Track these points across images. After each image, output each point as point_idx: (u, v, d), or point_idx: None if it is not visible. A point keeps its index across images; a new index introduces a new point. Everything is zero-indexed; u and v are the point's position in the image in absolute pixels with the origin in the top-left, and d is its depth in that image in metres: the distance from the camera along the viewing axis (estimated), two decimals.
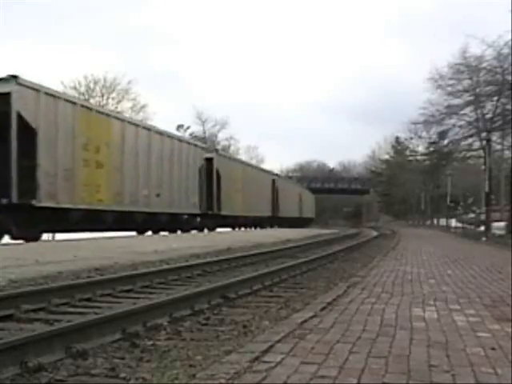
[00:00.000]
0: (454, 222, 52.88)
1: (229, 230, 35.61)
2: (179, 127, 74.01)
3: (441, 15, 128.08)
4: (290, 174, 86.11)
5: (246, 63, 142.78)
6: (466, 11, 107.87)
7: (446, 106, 36.07)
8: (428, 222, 69.31)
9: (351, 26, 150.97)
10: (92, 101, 52.96)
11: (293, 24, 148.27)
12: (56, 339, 4.55)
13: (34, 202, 17.02)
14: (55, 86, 29.09)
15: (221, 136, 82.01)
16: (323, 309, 5.91)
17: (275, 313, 6.74)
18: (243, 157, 71.98)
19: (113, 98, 60.13)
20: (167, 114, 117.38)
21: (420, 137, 51.62)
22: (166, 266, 10.95)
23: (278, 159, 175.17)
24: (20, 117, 16.62)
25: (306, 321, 5.18)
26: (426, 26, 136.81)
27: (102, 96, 59.22)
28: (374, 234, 38.80)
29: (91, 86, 58.47)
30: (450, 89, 35.25)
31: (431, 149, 51.09)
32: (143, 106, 63.12)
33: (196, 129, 79.14)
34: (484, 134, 35.37)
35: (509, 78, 29.97)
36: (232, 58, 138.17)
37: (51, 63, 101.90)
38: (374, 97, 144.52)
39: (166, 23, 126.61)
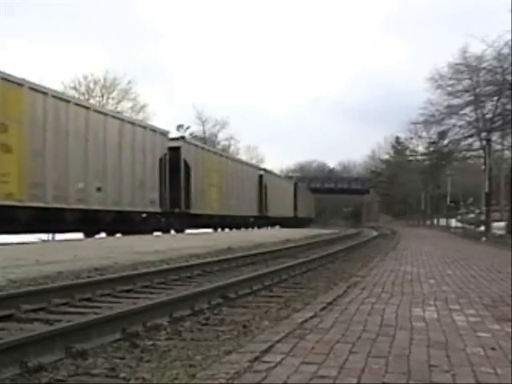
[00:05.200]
0: (454, 222, 52.84)
1: (203, 230, 31.69)
2: (179, 127, 74.01)
3: (441, 15, 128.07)
4: (290, 174, 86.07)
5: (245, 63, 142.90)
6: (467, 11, 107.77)
7: (446, 105, 36.09)
8: (428, 222, 69.28)
9: (350, 26, 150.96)
10: (92, 101, 52.97)
11: (292, 23, 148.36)
12: (56, 339, 4.55)
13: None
14: (55, 86, 28.94)
15: (221, 136, 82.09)
16: (323, 309, 5.91)
17: (275, 313, 6.73)
18: (243, 157, 71.96)
19: (113, 98, 60.20)
20: (167, 114, 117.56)
21: (420, 137, 51.76)
22: (165, 266, 10.95)
23: (278, 159, 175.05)
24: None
25: (306, 321, 5.18)
26: (427, 26, 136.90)
27: (102, 96, 59.27)
28: (374, 234, 38.77)
29: (91, 86, 58.53)
30: (449, 89, 35.26)
31: (431, 149, 51.12)
32: (143, 106, 63.22)
33: (196, 129, 79.19)
34: (484, 134, 35.38)
35: (509, 77, 29.94)
36: (232, 58, 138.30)
37: (49, 62, 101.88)
38: (374, 97, 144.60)
39: (165, 23, 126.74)
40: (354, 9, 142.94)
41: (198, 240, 20.81)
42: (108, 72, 59.67)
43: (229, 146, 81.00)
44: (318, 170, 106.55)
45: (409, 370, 3.60)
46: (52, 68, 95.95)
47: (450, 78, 35.03)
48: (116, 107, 56.72)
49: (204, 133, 79.64)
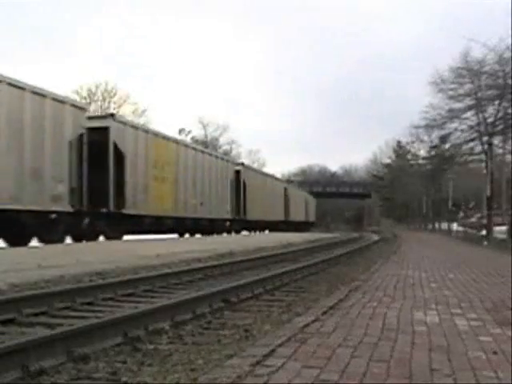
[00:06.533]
0: (455, 226, 52.77)
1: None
2: (181, 131, 74.01)
3: (444, 18, 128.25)
4: (292, 178, 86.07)
5: (246, 65, 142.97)
6: (468, 14, 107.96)
7: (448, 109, 36.12)
8: (429, 226, 69.22)
9: (349, 27, 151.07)
10: (93, 105, 53.05)
11: (291, 24, 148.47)
12: (57, 343, 4.55)
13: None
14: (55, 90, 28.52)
15: (222, 140, 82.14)
16: (325, 313, 5.91)
17: (277, 317, 6.73)
18: (245, 161, 71.85)
19: (114, 102, 60.29)
20: (168, 117, 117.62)
21: (422, 141, 51.83)
22: (167, 270, 10.95)
23: (279, 163, 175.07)
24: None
25: (307, 325, 5.18)
26: (428, 28, 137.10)
27: (104, 100, 59.37)
28: (376, 238, 38.78)
29: (93, 89, 58.63)
30: (451, 93, 35.29)
31: (433, 153, 51.16)
32: (144, 111, 63.32)
33: (197, 133, 79.19)
34: (486, 138, 35.37)
35: (510, 81, 29.98)
36: (233, 61, 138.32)
37: (49, 66, 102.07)
38: (377, 101, 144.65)
39: (165, 26, 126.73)
40: (352, 11, 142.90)
41: (199, 244, 20.81)
42: (109, 75, 59.88)
43: (230, 150, 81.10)
44: (320, 174, 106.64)
45: (410, 374, 3.60)
46: (52, 71, 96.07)
47: (452, 82, 35.06)
48: (117, 111, 56.80)
49: (206, 137, 79.72)
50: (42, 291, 7.52)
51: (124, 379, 4.13)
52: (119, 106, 60.11)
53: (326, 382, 3.39)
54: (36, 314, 6.42)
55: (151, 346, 5.12)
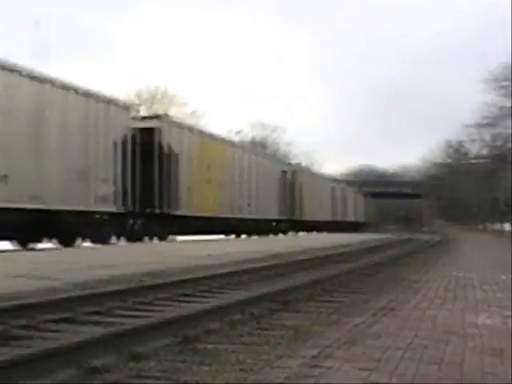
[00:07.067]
0: None
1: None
2: (235, 133, 73.79)
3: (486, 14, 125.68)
4: (342, 179, 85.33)
5: (295, 62, 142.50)
6: None
7: (501, 107, 35.36)
8: (487, 227, 67.60)
9: (395, 28, 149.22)
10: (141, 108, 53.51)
11: (337, 23, 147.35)
12: (112, 342, 4.64)
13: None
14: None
15: (272, 141, 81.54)
16: (375, 314, 5.87)
17: (326, 318, 6.71)
18: (304, 162, 70.30)
19: (164, 104, 60.63)
20: (219, 119, 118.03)
21: (475, 140, 50.78)
22: (218, 271, 11.01)
23: (329, 164, 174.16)
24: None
25: (357, 326, 5.16)
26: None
27: (152, 103, 59.85)
28: (427, 239, 38.22)
29: (142, 92, 59.14)
30: (503, 91, 34.54)
31: (489, 152, 50.09)
32: (194, 112, 63.58)
33: (255, 133, 77.62)
34: None
35: None
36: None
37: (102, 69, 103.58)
38: (426, 100, 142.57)
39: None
40: (398, 10, 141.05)
41: (251, 244, 20.88)
42: (158, 77, 60.36)
43: (287, 151, 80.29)
44: (370, 174, 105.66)
45: (462, 377, 3.56)
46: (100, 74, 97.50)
47: (504, 80, 34.33)
48: (167, 113, 57.20)
49: (253, 138, 79.37)
50: (96, 291, 7.68)
51: (174, 378, 4.18)
52: (169, 108, 60.53)
53: (376, 383, 3.38)
54: (91, 313, 6.55)
55: (201, 346, 5.17)
